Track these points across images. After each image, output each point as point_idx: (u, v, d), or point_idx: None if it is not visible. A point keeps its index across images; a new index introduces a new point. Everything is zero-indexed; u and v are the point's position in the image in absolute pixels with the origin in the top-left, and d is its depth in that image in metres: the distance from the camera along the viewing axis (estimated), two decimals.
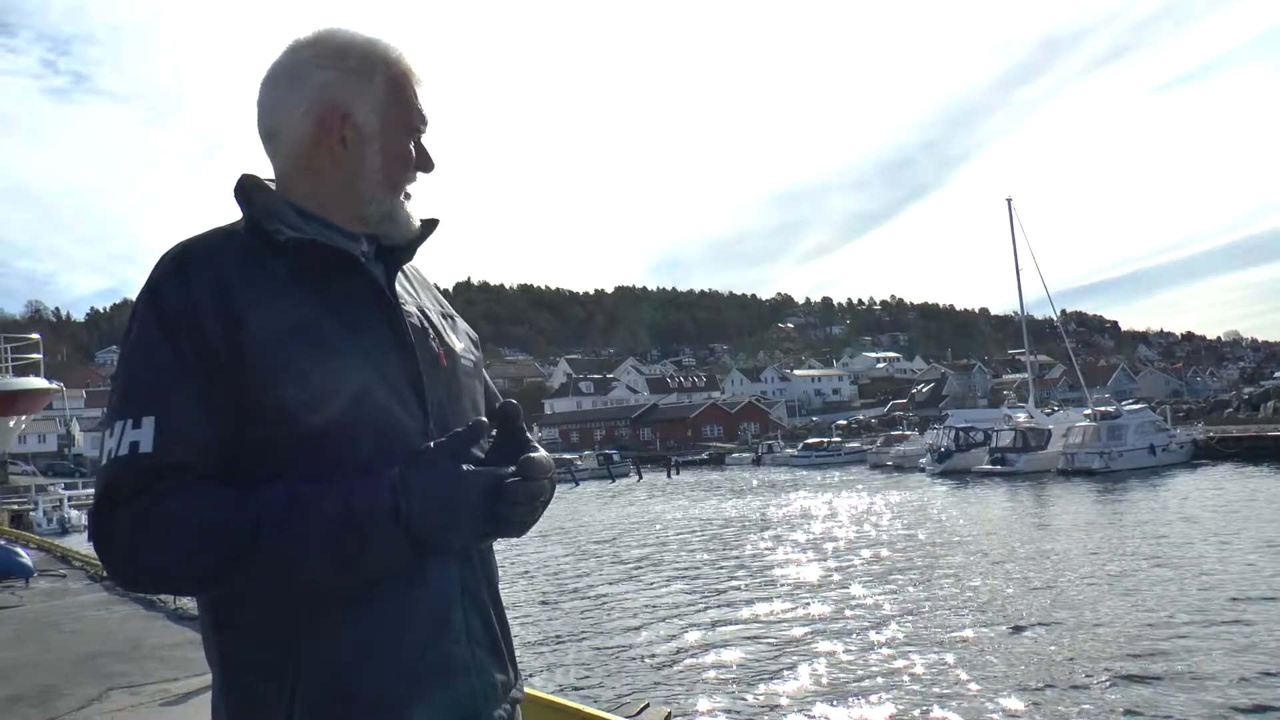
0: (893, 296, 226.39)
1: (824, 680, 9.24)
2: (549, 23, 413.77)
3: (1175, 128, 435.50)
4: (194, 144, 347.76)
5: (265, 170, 1.25)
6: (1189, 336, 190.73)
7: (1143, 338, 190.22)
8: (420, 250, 1.29)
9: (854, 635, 11.02)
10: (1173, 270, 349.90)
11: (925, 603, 12.74)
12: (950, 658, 9.73)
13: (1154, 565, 14.66)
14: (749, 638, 11.27)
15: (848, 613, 12.38)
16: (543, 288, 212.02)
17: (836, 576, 15.49)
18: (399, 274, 1.27)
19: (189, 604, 7.90)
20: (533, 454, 1.15)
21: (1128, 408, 39.04)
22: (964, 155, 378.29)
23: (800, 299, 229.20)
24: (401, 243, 1.25)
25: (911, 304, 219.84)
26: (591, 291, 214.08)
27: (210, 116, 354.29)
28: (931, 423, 56.60)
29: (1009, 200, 44.42)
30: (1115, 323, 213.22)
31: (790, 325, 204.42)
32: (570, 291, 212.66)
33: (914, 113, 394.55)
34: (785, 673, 9.57)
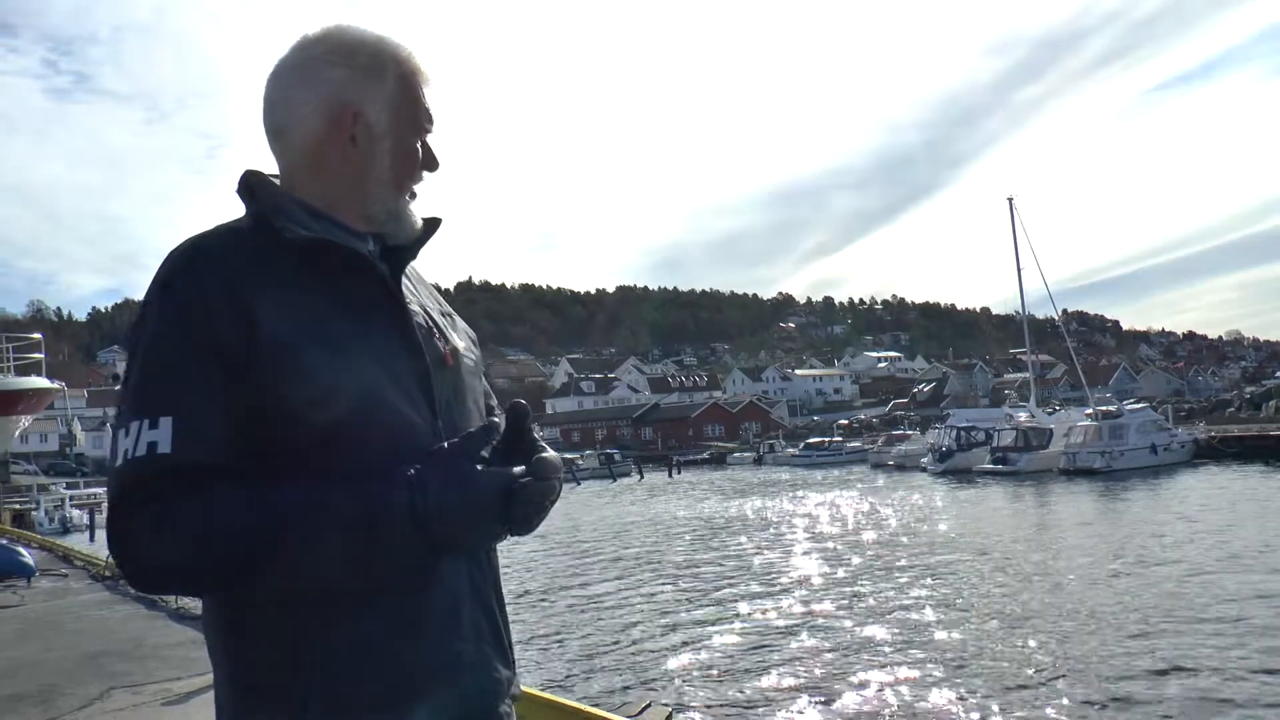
0: (894, 296, 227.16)
1: (825, 679, 9.22)
2: (550, 22, 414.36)
3: (1176, 127, 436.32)
4: (196, 144, 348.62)
5: (268, 168, 1.24)
6: (1190, 336, 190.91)
7: (1144, 337, 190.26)
8: (422, 249, 1.29)
9: (855, 634, 11.01)
10: (1174, 270, 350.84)
11: (926, 602, 12.73)
12: (951, 656, 9.73)
13: (1155, 565, 14.64)
14: (750, 636, 11.26)
15: (849, 612, 12.36)
16: (544, 287, 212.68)
17: (838, 575, 15.48)
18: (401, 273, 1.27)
19: (191, 603, 7.90)
20: (544, 454, 1.17)
21: (1129, 407, 38.92)
22: (965, 155, 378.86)
23: (801, 298, 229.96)
24: (406, 242, 1.25)
25: (913, 303, 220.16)
26: (593, 291, 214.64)
27: (212, 117, 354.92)
28: (933, 422, 56.64)
29: (1010, 199, 44.56)
30: (1116, 322, 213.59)
31: (791, 325, 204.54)
32: (571, 291, 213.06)
33: (915, 112, 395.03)
34: (786, 672, 9.56)
